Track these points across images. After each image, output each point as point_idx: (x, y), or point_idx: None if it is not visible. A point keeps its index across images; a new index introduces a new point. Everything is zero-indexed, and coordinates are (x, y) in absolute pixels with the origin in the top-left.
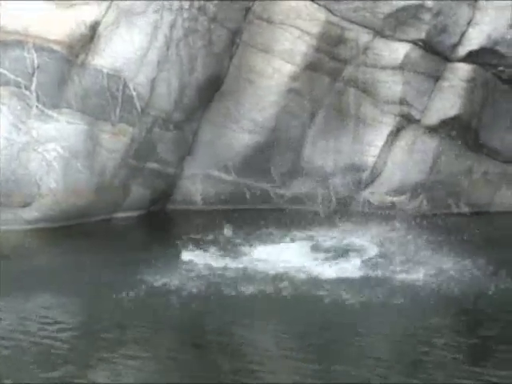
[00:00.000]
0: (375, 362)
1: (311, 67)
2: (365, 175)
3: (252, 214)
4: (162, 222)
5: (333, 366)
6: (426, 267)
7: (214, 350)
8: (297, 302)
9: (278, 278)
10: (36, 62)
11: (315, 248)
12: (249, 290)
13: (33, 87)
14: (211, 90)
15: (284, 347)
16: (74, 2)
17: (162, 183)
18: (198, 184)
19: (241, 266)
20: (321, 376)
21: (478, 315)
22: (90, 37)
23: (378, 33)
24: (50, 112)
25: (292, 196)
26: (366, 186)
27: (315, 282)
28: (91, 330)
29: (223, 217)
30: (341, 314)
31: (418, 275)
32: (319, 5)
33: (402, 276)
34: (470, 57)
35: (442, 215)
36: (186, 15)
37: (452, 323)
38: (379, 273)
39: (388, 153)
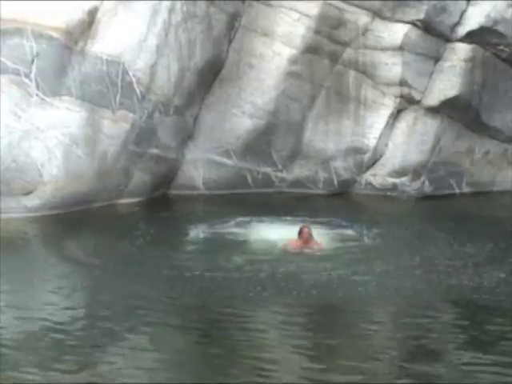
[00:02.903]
0: None
1: (311, 50)
2: (366, 157)
3: (254, 198)
4: (164, 208)
5: None
6: None
7: None
8: None
9: None
10: (35, 49)
11: None
12: None
13: (32, 75)
14: (211, 74)
15: None
16: None
17: (164, 168)
18: (199, 169)
19: None
20: None
21: None
22: (89, 23)
23: (377, 14)
24: (50, 99)
25: (294, 179)
26: (368, 168)
27: None
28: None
29: (225, 201)
30: None
31: None
32: None
33: None
34: (470, 36)
35: (444, 196)
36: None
37: None
38: None
39: (389, 134)
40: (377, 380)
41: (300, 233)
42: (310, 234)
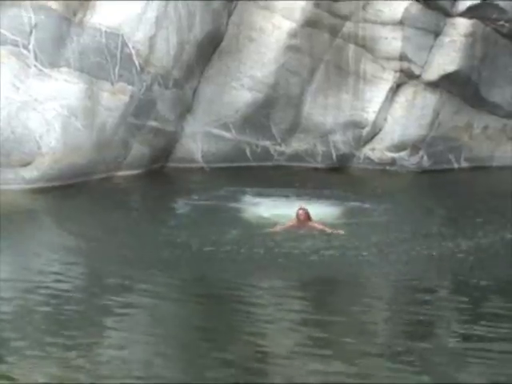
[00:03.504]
0: None
1: (310, 23)
2: (365, 131)
3: (252, 171)
4: (162, 181)
5: None
6: None
7: None
8: None
9: None
10: (33, 20)
11: None
12: None
13: (31, 46)
14: (210, 47)
15: None
16: None
17: (163, 141)
18: (198, 142)
19: None
20: None
21: None
22: None
23: None
24: (48, 71)
25: (292, 153)
26: (366, 142)
27: None
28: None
29: (223, 175)
30: None
31: None
32: None
33: None
34: (470, 11)
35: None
36: None
37: None
38: None
39: (388, 109)
40: (370, 359)
41: (297, 215)
42: (307, 216)
